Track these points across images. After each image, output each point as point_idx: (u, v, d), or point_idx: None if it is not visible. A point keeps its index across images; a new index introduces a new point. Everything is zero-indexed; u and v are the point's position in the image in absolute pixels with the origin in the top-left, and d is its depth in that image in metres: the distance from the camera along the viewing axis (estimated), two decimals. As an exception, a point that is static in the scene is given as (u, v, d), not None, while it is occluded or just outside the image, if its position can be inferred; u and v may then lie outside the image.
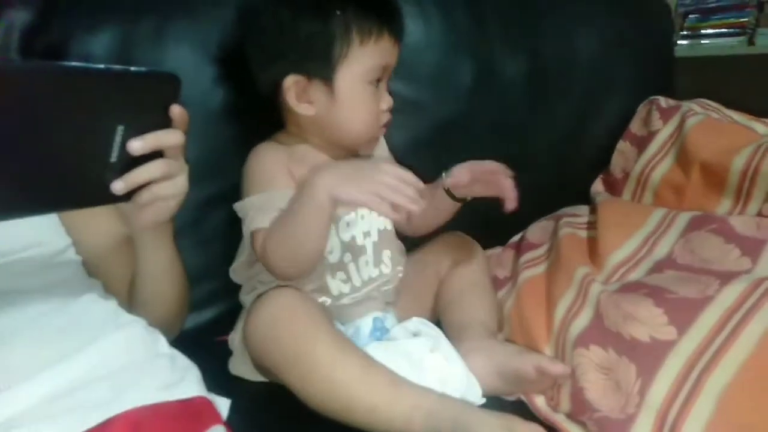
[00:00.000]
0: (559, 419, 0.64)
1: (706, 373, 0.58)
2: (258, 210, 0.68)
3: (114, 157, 0.48)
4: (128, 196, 0.51)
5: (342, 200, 0.62)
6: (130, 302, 0.67)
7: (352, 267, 0.75)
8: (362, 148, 0.79)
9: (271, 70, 0.71)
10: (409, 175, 0.62)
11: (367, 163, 0.67)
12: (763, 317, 0.60)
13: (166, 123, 0.52)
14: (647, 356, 0.61)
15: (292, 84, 0.70)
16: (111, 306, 0.62)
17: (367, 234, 0.76)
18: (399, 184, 0.60)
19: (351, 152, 0.78)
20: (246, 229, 0.69)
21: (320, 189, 0.62)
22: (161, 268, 0.65)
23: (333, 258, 0.74)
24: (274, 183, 0.70)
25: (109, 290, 0.67)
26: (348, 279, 0.74)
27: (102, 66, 0.47)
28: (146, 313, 0.65)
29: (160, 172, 0.52)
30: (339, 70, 0.69)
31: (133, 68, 0.49)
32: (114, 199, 0.50)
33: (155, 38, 0.79)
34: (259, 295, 0.67)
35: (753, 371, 0.57)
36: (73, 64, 0.47)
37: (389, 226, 0.80)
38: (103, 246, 0.69)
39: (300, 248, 0.65)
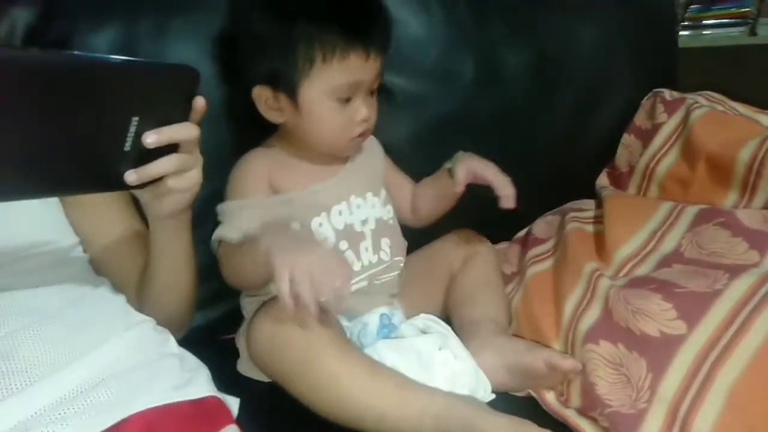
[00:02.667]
0: (570, 414, 0.64)
1: (716, 367, 0.58)
2: (228, 220, 0.70)
3: (128, 146, 0.49)
4: (142, 184, 0.52)
5: (270, 268, 0.58)
6: (140, 298, 0.67)
7: (350, 254, 0.75)
8: (340, 154, 0.77)
9: (243, 76, 0.72)
10: (339, 274, 0.57)
11: (308, 240, 0.66)
12: (772, 311, 0.60)
13: (182, 116, 0.52)
14: (657, 351, 0.61)
15: (260, 93, 0.71)
16: (121, 303, 0.62)
17: (364, 222, 0.77)
18: (324, 278, 0.56)
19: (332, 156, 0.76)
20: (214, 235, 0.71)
21: (262, 250, 0.60)
22: (179, 257, 0.65)
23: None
24: (247, 192, 0.72)
25: (117, 288, 0.66)
26: None
27: (120, 58, 0.47)
28: (158, 307, 0.65)
29: (173, 167, 0.53)
30: (302, 86, 0.68)
31: (151, 61, 0.49)
32: (127, 186, 0.51)
33: (157, 35, 0.78)
34: (263, 303, 0.67)
35: (763, 364, 0.57)
36: (92, 54, 0.47)
37: (386, 217, 0.80)
38: (112, 242, 0.69)
39: (241, 280, 0.70)
